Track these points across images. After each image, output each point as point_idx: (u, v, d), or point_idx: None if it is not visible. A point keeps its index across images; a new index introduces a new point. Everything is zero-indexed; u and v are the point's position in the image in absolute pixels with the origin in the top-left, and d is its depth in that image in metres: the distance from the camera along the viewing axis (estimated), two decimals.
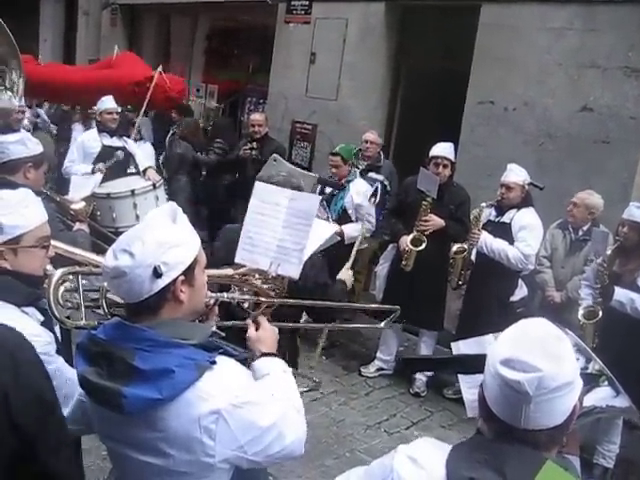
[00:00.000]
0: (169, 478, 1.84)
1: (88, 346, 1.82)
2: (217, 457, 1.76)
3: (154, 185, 6.35)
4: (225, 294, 2.35)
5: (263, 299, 2.57)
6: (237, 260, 2.63)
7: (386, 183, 7.05)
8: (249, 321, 2.31)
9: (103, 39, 13.24)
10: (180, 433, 1.74)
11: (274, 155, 5.26)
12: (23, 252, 2.24)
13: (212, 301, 2.25)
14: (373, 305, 3.58)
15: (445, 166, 5.61)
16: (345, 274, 3.72)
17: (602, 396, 1.97)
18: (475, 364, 1.73)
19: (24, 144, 3.92)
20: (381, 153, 7.21)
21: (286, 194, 2.74)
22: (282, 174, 3.58)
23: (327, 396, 5.58)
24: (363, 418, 5.39)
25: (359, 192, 6.15)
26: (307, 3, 8.85)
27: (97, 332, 1.82)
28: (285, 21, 9.19)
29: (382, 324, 3.50)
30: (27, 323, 2.08)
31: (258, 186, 2.79)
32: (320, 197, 3.08)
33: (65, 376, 2.01)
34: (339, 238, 3.55)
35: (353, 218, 6.09)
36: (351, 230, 5.83)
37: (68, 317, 2.12)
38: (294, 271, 2.62)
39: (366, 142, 7.02)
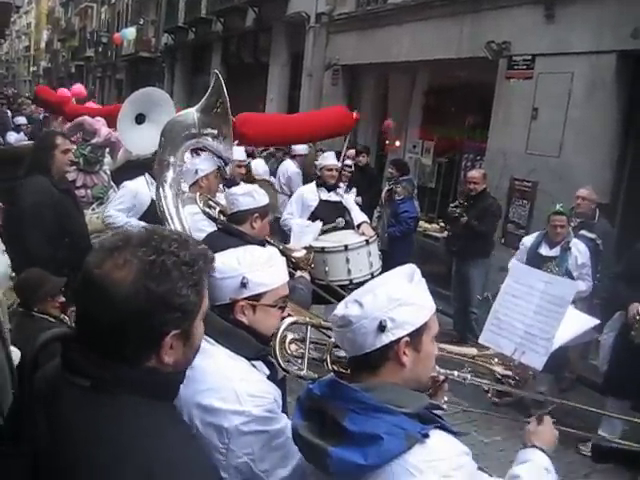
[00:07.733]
0: None
1: (304, 400, 1.82)
2: None
3: (367, 241, 6.37)
4: (456, 372, 2.16)
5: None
6: (481, 340, 2.53)
7: (598, 242, 6.56)
8: (533, 418, 2.18)
9: (324, 97, 13.98)
10: None
11: None
12: (261, 310, 2.25)
13: (442, 377, 2.11)
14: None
15: None
16: None
17: None
18: None
19: (252, 196, 4.15)
20: (597, 210, 6.75)
21: (543, 277, 2.60)
22: None
23: None
24: None
25: (581, 251, 5.96)
26: (529, 58, 8.66)
27: (313, 387, 1.81)
28: (506, 77, 9.04)
29: None
30: (257, 379, 2.12)
31: (514, 266, 2.68)
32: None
33: (287, 435, 1.99)
34: (597, 335, 3.33)
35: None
36: None
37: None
38: (538, 362, 2.42)
39: (578, 198, 6.66)
